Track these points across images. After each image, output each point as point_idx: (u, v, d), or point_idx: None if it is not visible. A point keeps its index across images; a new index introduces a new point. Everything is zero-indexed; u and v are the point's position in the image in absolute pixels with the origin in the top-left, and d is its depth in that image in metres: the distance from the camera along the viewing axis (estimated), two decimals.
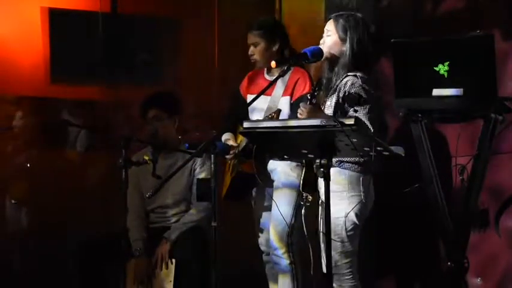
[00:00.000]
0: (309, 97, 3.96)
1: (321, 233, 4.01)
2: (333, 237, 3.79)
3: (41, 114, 5.54)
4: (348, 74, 4.01)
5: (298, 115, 3.95)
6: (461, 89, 4.08)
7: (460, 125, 4.44)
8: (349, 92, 3.93)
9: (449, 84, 4.10)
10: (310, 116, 3.84)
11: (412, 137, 4.34)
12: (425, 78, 4.16)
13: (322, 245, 4.03)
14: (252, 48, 4.74)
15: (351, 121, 3.35)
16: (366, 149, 3.50)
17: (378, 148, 3.47)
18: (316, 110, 3.91)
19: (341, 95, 3.97)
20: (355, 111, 3.87)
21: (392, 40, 4.25)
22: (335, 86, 4.04)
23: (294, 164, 4.60)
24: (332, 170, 3.83)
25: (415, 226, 5.02)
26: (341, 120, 3.35)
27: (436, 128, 4.87)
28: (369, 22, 4.24)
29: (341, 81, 4.02)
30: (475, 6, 4.92)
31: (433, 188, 4.31)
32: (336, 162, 3.91)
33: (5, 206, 5.42)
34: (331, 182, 3.73)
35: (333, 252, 3.86)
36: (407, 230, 5.07)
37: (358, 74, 3.99)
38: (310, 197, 4.03)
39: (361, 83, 3.96)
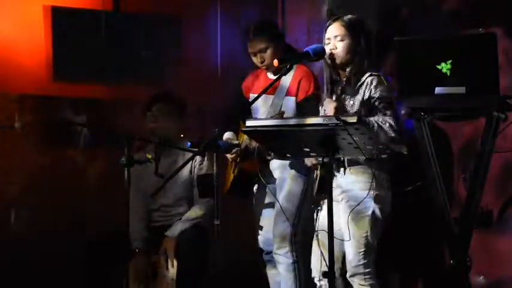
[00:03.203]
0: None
1: (322, 234, 4.01)
2: (358, 236, 3.86)
3: (43, 113, 5.53)
4: (372, 73, 3.92)
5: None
6: (464, 87, 4.09)
7: (463, 123, 4.45)
8: (379, 96, 3.86)
9: (451, 83, 4.11)
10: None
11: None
12: (428, 77, 4.17)
13: (317, 246, 4.00)
14: (261, 54, 4.67)
15: (354, 119, 3.35)
16: (368, 147, 3.50)
17: (380, 146, 3.47)
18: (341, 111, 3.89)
19: (367, 94, 3.89)
20: (385, 114, 3.82)
21: (395, 38, 4.26)
22: (356, 87, 3.94)
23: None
24: (361, 168, 3.89)
25: (418, 225, 5.02)
26: (343, 118, 3.36)
27: (439, 126, 4.87)
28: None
29: (364, 81, 3.92)
30: (478, 4, 4.92)
31: (436, 186, 4.32)
32: (364, 160, 3.87)
33: (5, 205, 5.41)
34: (356, 181, 3.85)
35: (355, 251, 3.89)
36: (410, 228, 5.06)
37: (380, 74, 3.93)
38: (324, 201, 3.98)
39: (386, 84, 3.89)
